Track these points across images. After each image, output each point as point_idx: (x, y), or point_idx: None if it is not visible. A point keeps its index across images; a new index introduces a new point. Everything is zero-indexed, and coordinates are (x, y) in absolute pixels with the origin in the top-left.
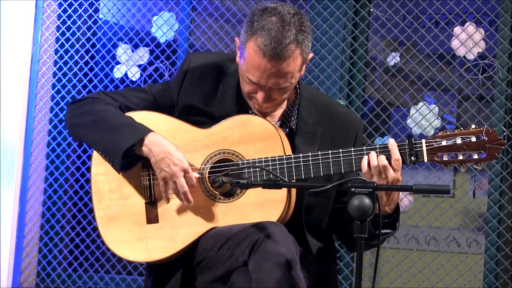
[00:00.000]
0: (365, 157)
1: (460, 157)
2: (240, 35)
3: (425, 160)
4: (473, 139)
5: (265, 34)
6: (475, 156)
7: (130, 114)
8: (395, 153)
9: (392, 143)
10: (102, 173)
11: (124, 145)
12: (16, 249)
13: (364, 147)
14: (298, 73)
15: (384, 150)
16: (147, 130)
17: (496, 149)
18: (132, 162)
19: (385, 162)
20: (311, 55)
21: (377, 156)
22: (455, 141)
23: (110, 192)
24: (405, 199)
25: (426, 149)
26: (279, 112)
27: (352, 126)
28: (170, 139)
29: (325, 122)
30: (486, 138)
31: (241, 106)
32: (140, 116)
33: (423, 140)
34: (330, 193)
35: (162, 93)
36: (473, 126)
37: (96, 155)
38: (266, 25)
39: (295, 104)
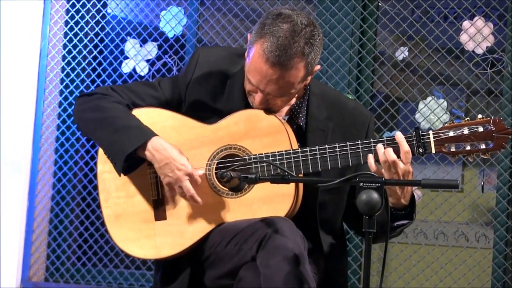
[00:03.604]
0: (370, 155)
1: (468, 148)
2: (252, 33)
3: (433, 151)
4: (480, 129)
5: (272, 40)
6: (483, 146)
7: (136, 111)
8: (404, 145)
9: (399, 136)
10: (108, 171)
11: (127, 148)
12: (25, 243)
13: (372, 140)
14: (299, 84)
15: (392, 143)
16: (151, 134)
17: (504, 138)
18: (135, 164)
19: (394, 156)
20: (318, 67)
21: (384, 150)
22: (462, 131)
23: (117, 190)
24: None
25: (434, 140)
26: (286, 107)
27: (363, 121)
28: (175, 135)
29: (336, 117)
30: (493, 128)
31: (248, 102)
32: (145, 113)
33: (431, 132)
34: (344, 189)
35: (171, 88)
36: (480, 116)
37: (102, 153)
38: (275, 31)
39: (304, 100)
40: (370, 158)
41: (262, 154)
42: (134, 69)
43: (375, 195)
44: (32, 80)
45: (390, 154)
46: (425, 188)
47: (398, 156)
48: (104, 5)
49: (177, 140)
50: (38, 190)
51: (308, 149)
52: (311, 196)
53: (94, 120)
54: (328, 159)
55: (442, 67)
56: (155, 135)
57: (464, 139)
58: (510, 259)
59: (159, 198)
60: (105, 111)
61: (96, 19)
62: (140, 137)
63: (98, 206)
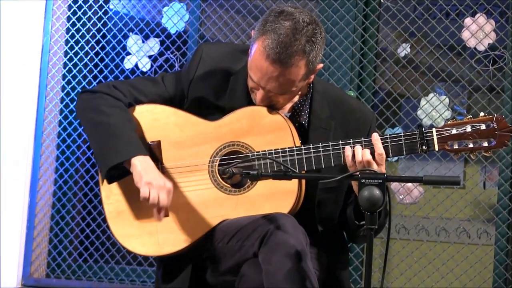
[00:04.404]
0: (348, 148)
1: (470, 145)
2: (254, 30)
3: (436, 148)
4: (483, 127)
5: (273, 37)
6: (485, 144)
7: (138, 107)
8: (379, 148)
9: (375, 138)
10: None
11: (113, 160)
12: (26, 239)
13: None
14: (301, 82)
15: (393, 141)
16: (138, 151)
17: (506, 136)
18: (121, 174)
19: (369, 157)
20: (320, 65)
21: (362, 150)
22: (465, 129)
23: (119, 186)
24: (415, 190)
25: (437, 138)
26: (289, 105)
27: (365, 120)
28: (178, 132)
29: (338, 116)
30: (496, 126)
31: (251, 99)
32: (148, 109)
33: (434, 129)
34: (342, 188)
35: (174, 84)
36: (482, 114)
37: None
38: (277, 28)
39: (307, 98)
40: (348, 150)
41: (265, 151)
42: (136, 65)
43: (376, 192)
44: (34, 76)
45: (366, 154)
46: (427, 184)
47: (373, 158)
48: (106, 1)
49: (179, 137)
50: (40, 186)
51: (311, 146)
52: (310, 195)
53: (91, 122)
54: (332, 156)
55: (444, 64)
56: (141, 153)
57: (467, 137)
58: None
59: None
60: (103, 115)
61: (98, 15)
62: (126, 152)
63: (100, 202)
